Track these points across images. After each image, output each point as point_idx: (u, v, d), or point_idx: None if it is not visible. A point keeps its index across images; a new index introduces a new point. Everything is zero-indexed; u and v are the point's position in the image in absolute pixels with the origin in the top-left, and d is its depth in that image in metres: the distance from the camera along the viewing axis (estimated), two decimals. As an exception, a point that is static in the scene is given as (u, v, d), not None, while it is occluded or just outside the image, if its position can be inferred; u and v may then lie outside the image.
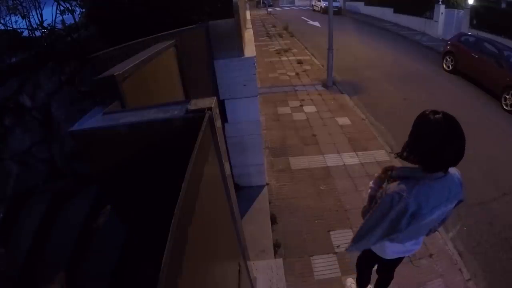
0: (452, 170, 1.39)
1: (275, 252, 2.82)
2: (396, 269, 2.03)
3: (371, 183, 1.58)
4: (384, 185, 1.45)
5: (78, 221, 3.62)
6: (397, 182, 1.35)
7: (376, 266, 2.12)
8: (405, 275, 2.52)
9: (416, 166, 1.35)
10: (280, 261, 2.64)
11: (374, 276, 2.25)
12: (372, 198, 1.54)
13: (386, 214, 1.36)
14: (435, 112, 1.25)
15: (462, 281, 2.56)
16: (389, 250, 1.70)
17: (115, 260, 2.85)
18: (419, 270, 2.63)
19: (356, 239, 1.55)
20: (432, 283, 2.53)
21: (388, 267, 2.03)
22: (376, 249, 1.75)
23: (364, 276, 2.26)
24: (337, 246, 2.87)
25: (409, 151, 1.33)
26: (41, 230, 3.65)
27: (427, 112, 1.27)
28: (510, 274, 2.71)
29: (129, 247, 2.71)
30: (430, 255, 2.77)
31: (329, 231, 3.05)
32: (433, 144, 1.23)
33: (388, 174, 1.45)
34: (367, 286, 2.34)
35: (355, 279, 2.38)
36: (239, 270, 1.40)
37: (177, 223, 0.55)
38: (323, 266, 2.71)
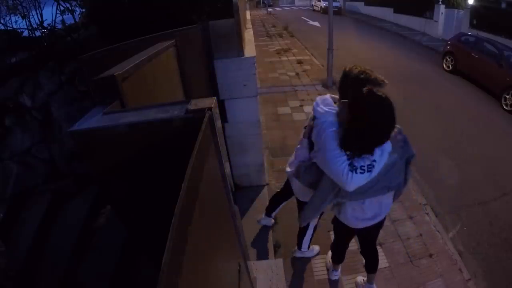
0: None
1: (275, 252, 2.82)
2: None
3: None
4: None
5: (78, 221, 3.62)
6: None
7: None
8: (405, 275, 2.52)
9: None
10: (280, 261, 2.63)
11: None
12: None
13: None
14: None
15: (462, 281, 2.56)
16: (350, 216, 1.76)
17: (115, 260, 2.85)
18: (419, 270, 2.62)
19: (311, 212, 1.72)
20: (432, 283, 2.53)
21: (363, 239, 2.08)
22: (341, 217, 1.83)
23: (339, 251, 2.34)
24: (337, 246, 2.87)
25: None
26: (41, 230, 3.65)
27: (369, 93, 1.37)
28: (510, 274, 2.71)
29: (129, 247, 2.72)
30: (430, 255, 2.77)
31: (329, 231, 3.04)
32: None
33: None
34: (342, 261, 2.42)
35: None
36: (239, 270, 1.40)
37: (177, 223, 0.55)
38: (323, 266, 2.71)
